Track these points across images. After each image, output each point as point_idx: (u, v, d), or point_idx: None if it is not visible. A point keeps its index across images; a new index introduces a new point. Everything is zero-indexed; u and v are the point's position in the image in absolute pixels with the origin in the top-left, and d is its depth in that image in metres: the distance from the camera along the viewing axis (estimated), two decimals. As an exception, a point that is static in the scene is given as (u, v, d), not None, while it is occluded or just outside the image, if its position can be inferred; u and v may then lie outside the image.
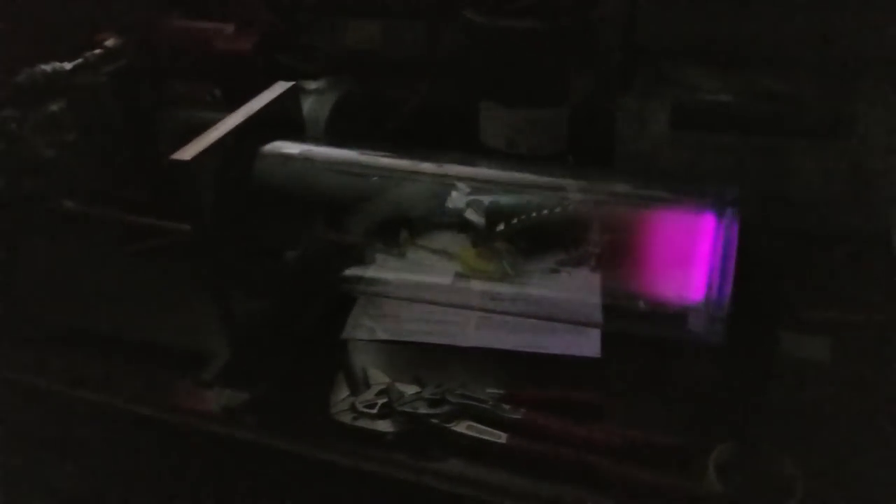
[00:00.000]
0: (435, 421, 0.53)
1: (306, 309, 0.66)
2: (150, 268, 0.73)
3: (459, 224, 0.61)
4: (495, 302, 0.64)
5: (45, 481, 0.67)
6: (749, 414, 0.53)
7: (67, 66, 0.67)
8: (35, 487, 0.68)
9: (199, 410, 0.59)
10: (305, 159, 0.60)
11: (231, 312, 0.56)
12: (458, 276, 0.65)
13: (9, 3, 0.75)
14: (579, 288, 0.67)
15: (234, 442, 0.56)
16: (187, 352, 0.64)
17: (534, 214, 0.60)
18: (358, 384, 0.58)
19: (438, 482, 0.51)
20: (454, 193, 0.60)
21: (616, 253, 0.58)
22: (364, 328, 0.66)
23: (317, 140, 0.64)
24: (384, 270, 0.67)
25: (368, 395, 0.56)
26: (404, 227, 0.65)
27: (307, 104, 0.70)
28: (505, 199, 0.62)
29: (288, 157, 0.58)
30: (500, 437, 0.52)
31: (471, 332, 0.65)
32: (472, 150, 0.81)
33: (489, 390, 0.56)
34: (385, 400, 0.55)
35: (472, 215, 0.61)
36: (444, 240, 0.65)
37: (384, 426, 0.54)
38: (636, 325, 0.56)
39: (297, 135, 0.62)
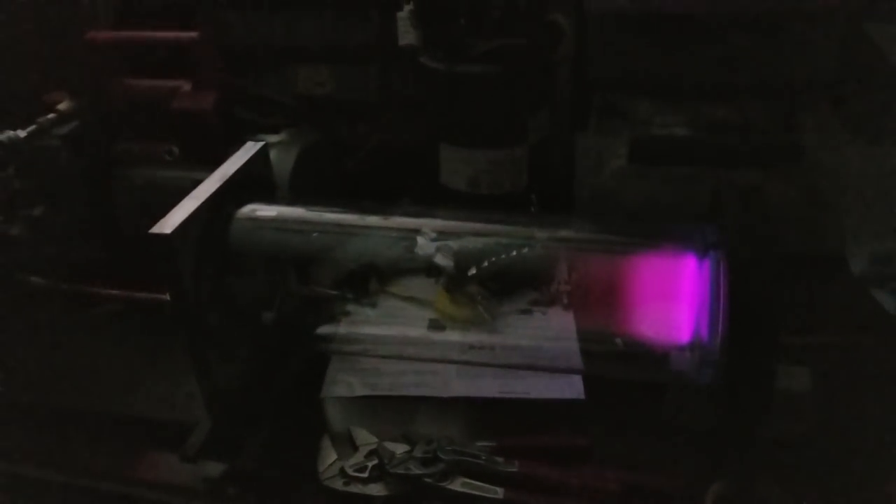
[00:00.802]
0: (429, 480, 0.53)
1: (284, 369, 0.64)
2: (115, 337, 0.71)
3: (428, 269, 0.61)
4: (473, 352, 0.64)
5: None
6: (739, 449, 0.54)
7: (22, 133, 0.65)
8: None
9: (178, 485, 0.57)
10: (277, 220, 0.59)
11: (211, 379, 0.54)
12: (433, 323, 0.65)
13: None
14: (555, 328, 0.68)
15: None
16: (159, 423, 0.62)
17: (504, 256, 0.61)
18: (344, 446, 0.57)
19: (440, 543, 0.51)
20: (420, 239, 0.60)
21: (594, 296, 0.59)
22: (342, 384, 0.65)
23: (286, 199, 0.64)
24: (357, 325, 0.66)
25: (358, 458, 0.55)
26: (373, 275, 0.65)
27: (272, 157, 0.70)
28: (473, 243, 0.63)
29: (261, 220, 0.57)
30: (497, 493, 0.52)
31: (452, 382, 0.65)
32: (433, 191, 0.81)
33: (480, 443, 0.56)
34: (375, 462, 0.55)
35: (441, 260, 0.61)
36: (415, 286, 0.65)
37: (377, 489, 0.53)
38: (619, 368, 0.56)
39: (268, 193, 0.61)
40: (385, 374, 0.66)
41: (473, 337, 0.66)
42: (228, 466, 0.56)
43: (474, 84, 0.75)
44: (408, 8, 0.78)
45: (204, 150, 0.69)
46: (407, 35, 0.79)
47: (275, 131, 0.74)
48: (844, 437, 0.54)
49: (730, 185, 0.51)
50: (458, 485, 0.52)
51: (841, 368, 0.59)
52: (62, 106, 0.70)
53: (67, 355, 0.69)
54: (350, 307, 0.67)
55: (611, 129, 0.80)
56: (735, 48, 0.78)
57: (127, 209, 0.72)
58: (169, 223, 0.49)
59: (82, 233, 0.72)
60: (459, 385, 0.64)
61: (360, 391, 0.64)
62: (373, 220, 0.62)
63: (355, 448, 0.56)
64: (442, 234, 0.60)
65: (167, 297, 0.53)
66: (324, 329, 0.65)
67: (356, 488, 0.53)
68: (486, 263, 0.61)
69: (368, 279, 0.64)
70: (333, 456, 0.56)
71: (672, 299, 0.50)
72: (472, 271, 0.61)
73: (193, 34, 0.73)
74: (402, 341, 0.65)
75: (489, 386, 0.64)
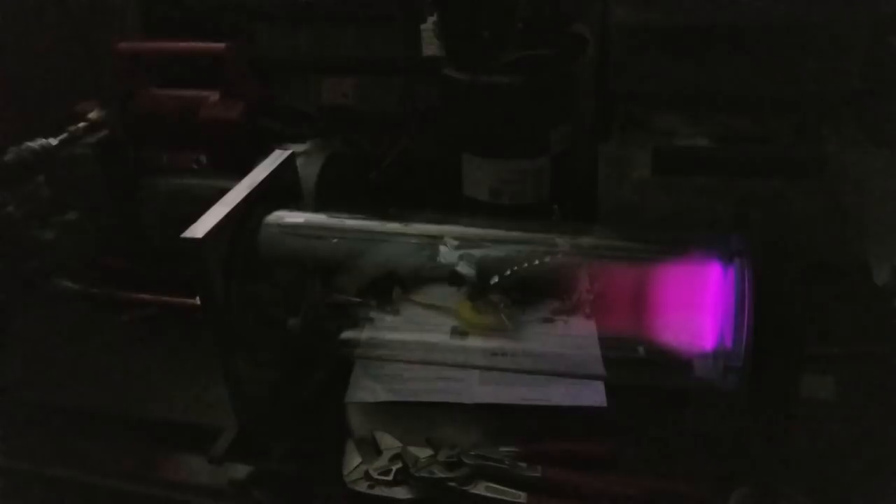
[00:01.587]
0: (453, 484, 0.53)
1: (310, 374, 0.65)
2: (144, 341, 0.72)
3: (451, 278, 0.62)
4: (496, 358, 0.65)
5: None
6: (762, 457, 0.54)
7: (53, 141, 0.67)
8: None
9: (206, 487, 0.57)
10: (304, 227, 0.60)
11: (239, 383, 0.55)
12: (455, 330, 0.66)
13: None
14: (577, 336, 0.68)
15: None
16: (188, 426, 0.63)
17: (526, 265, 0.61)
18: (368, 450, 0.58)
19: (463, 546, 0.51)
20: (443, 248, 0.61)
21: (617, 304, 0.59)
22: (366, 390, 0.66)
23: (312, 206, 0.65)
24: (380, 331, 0.67)
25: (382, 462, 0.56)
26: (396, 283, 0.66)
27: (297, 166, 0.71)
28: (495, 251, 0.63)
29: (288, 226, 0.58)
30: (520, 497, 0.52)
31: (474, 388, 0.65)
32: (456, 202, 0.82)
33: (503, 448, 0.56)
34: (400, 465, 0.55)
35: (464, 269, 0.61)
36: (437, 294, 0.66)
37: (402, 493, 0.54)
38: (641, 376, 0.57)
39: (295, 201, 0.62)
40: (408, 380, 0.66)
41: (496, 343, 0.66)
42: (255, 469, 0.57)
43: (497, 95, 0.76)
44: (431, 20, 0.79)
45: (230, 160, 0.71)
46: (430, 47, 0.80)
47: (300, 141, 0.75)
48: (868, 447, 0.54)
49: (755, 195, 0.51)
50: (481, 489, 0.53)
51: (865, 378, 0.59)
52: (92, 115, 0.72)
53: (97, 359, 0.71)
54: (373, 314, 0.68)
55: (633, 140, 0.80)
56: (758, 60, 0.78)
57: (154, 216, 0.74)
58: (200, 228, 0.50)
59: (111, 239, 0.73)
60: (482, 391, 0.65)
61: (384, 396, 0.65)
62: (396, 227, 0.62)
63: (379, 452, 0.57)
64: (464, 243, 0.60)
65: (196, 301, 0.54)
66: (348, 335, 0.66)
67: (381, 491, 0.54)
68: (508, 272, 0.61)
69: (392, 287, 0.65)
70: (358, 459, 0.57)
71: (697, 307, 0.50)
72: (495, 280, 0.61)
73: (221, 45, 0.74)
74: (424, 347, 0.65)
75: (511, 392, 0.64)
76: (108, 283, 0.71)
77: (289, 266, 0.61)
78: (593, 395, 0.63)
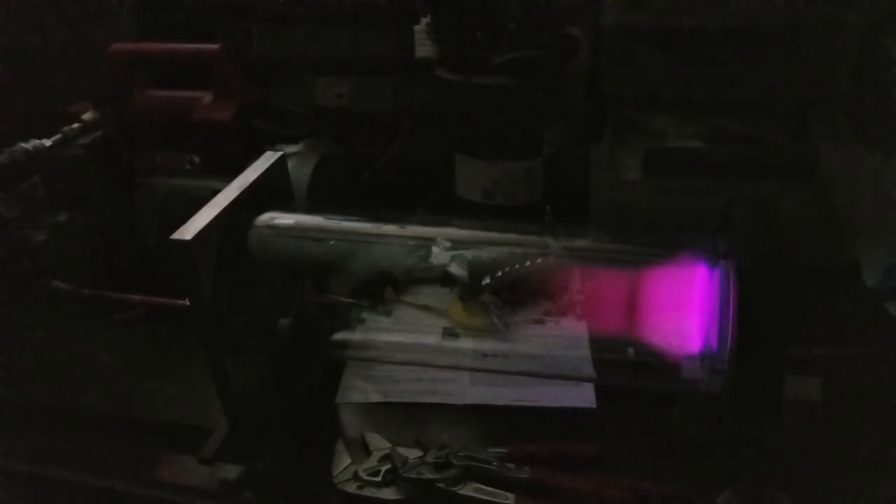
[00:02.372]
0: (441, 485, 0.53)
1: (300, 375, 0.65)
2: (135, 342, 0.72)
3: (443, 279, 0.62)
4: (487, 359, 0.65)
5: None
6: (749, 458, 0.54)
7: (47, 142, 0.67)
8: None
9: (196, 488, 0.58)
10: (294, 228, 0.60)
11: (229, 384, 0.55)
12: (447, 331, 0.66)
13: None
14: (567, 337, 0.69)
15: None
16: (178, 426, 0.63)
17: (517, 266, 0.61)
18: (358, 450, 0.58)
19: (451, 548, 0.51)
20: (436, 249, 0.61)
21: (606, 306, 0.59)
22: (357, 390, 0.66)
23: (302, 207, 0.65)
24: (372, 332, 0.67)
25: (371, 463, 0.56)
26: (389, 284, 0.66)
27: (289, 167, 0.71)
28: (487, 252, 0.63)
29: (279, 227, 0.58)
30: (508, 498, 0.52)
31: (465, 389, 0.65)
32: (449, 202, 0.82)
33: (492, 449, 0.56)
34: (388, 466, 0.55)
35: (455, 270, 0.61)
36: (429, 295, 0.66)
37: (390, 494, 0.54)
38: (630, 377, 0.57)
39: (286, 202, 0.62)
40: (399, 381, 0.67)
41: (487, 345, 0.67)
42: (245, 469, 0.57)
43: (490, 96, 0.77)
44: (424, 21, 0.79)
45: (223, 160, 0.71)
46: (423, 48, 0.80)
47: (293, 142, 0.76)
48: (854, 448, 0.54)
49: (741, 197, 0.51)
50: (469, 490, 0.53)
51: (853, 380, 0.60)
52: (86, 116, 0.72)
53: (88, 360, 0.71)
54: (365, 315, 0.68)
55: (626, 141, 0.81)
56: (749, 61, 0.78)
57: (148, 217, 0.74)
58: (189, 230, 0.50)
59: (104, 240, 0.73)
60: (472, 392, 0.65)
61: (375, 397, 0.65)
62: (388, 229, 0.62)
63: (369, 453, 0.57)
64: (457, 244, 0.60)
65: (187, 302, 0.54)
66: (339, 336, 0.66)
67: (369, 492, 0.54)
68: (499, 273, 0.61)
69: (384, 288, 0.65)
70: (347, 460, 0.57)
71: (682, 309, 0.50)
72: (486, 281, 0.62)
73: (214, 47, 0.74)
74: (416, 349, 0.66)
75: (502, 394, 0.64)
76: (101, 284, 0.71)
77: (279, 267, 0.62)
78: (583, 396, 0.63)
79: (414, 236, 0.62)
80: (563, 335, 0.68)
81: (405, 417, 0.63)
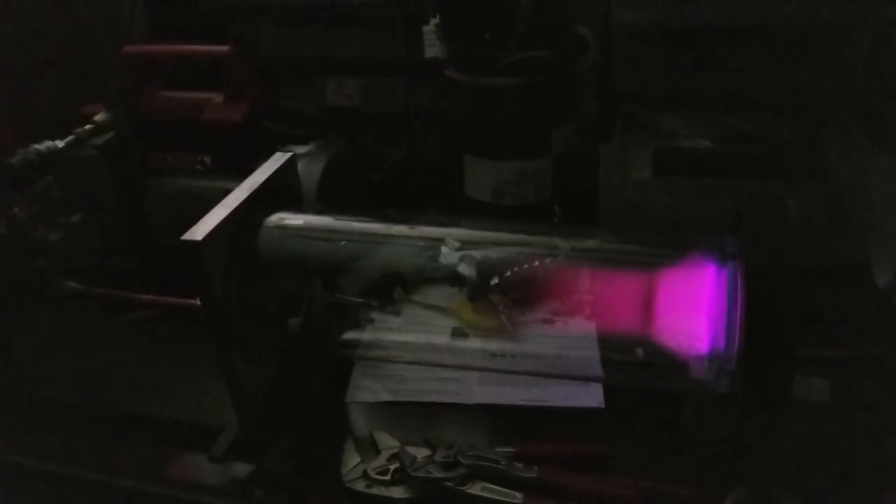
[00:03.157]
0: (449, 484, 0.54)
1: (310, 374, 0.66)
2: (147, 341, 0.73)
3: (452, 279, 0.62)
4: (495, 359, 0.65)
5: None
6: (756, 458, 0.54)
7: (60, 143, 0.67)
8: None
9: (207, 485, 0.58)
10: (304, 228, 0.60)
11: (239, 383, 0.56)
12: (456, 331, 0.66)
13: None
14: (576, 337, 0.69)
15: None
16: (189, 425, 0.64)
17: (526, 266, 0.61)
18: (367, 449, 0.58)
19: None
20: (444, 249, 0.61)
21: (614, 306, 0.59)
22: (367, 390, 0.67)
23: (313, 208, 0.65)
24: (381, 331, 0.67)
25: (380, 461, 0.56)
26: (398, 284, 0.66)
27: (299, 167, 0.71)
28: (496, 252, 0.63)
29: (288, 228, 0.59)
30: (516, 498, 0.52)
31: (474, 389, 0.66)
32: (458, 202, 0.83)
33: (500, 449, 0.56)
34: (397, 465, 0.56)
35: (464, 269, 0.62)
36: (438, 295, 0.66)
37: (399, 492, 0.54)
38: (639, 378, 0.57)
39: (296, 202, 0.63)
40: (408, 381, 0.67)
41: (496, 345, 0.67)
42: (255, 467, 0.58)
43: (498, 96, 0.77)
44: (434, 22, 0.79)
45: (234, 161, 0.72)
46: (432, 48, 0.80)
47: (303, 142, 0.76)
48: (864, 449, 0.54)
49: (750, 197, 0.51)
50: (477, 489, 0.53)
51: (863, 381, 0.59)
52: (98, 117, 0.73)
53: (102, 358, 0.72)
54: (374, 315, 0.69)
55: (635, 141, 0.81)
56: (760, 61, 0.78)
57: (159, 217, 0.75)
58: (200, 230, 0.51)
59: (117, 239, 0.74)
60: (481, 392, 0.65)
61: (384, 397, 0.66)
62: (398, 229, 0.62)
63: (378, 451, 0.58)
64: (465, 244, 0.60)
65: (198, 302, 0.54)
66: (349, 335, 0.67)
67: (378, 490, 0.54)
68: (508, 273, 0.61)
69: (393, 288, 0.65)
70: (356, 459, 0.57)
71: (690, 309, 0.50)
72: (495, 281, 0.62)
73: (225, 48, 0.75)
74: (425, 348, 0.66)
75: (510, 393, 0.65)
76: (113, 284, 0.72)
77: (289, 267, 0.62)
78: (592, 396, 0.63)
79: (423, 236, 0.62)
80: (571, 335, 0.68)
81: (414, 417, 0.63)
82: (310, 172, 0.72)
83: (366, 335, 0.68)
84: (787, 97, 0.80)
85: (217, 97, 0.76)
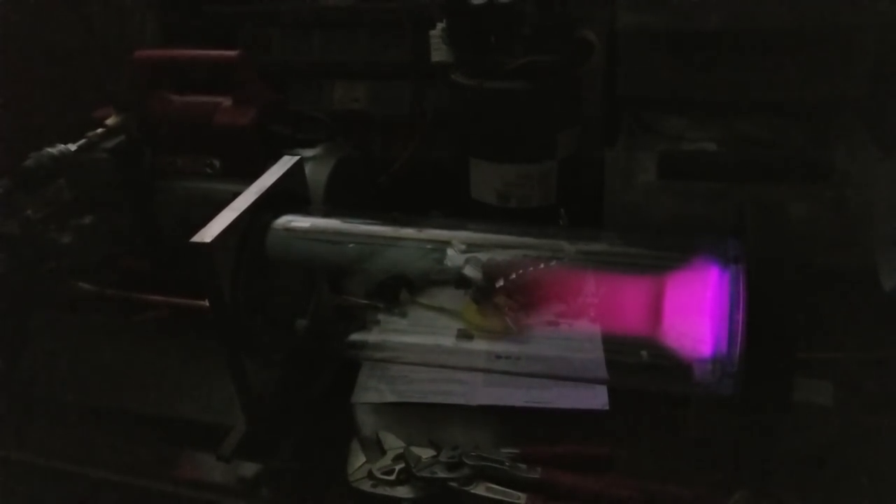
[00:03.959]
0: (454, 485, 0.54)
1: (317, 375, 0.66)
2: (157, 341, 0.74)
3: (457, 281, 0.62)
4: (500, 361, 0.65)
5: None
6: (759, 460, 0.54)
7: (72, 147, 0.69)
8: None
9: (214, 484, 0.59)
10: (311, 231, 0.61)
11: (247, 383, 0.57)
12: (461, 332, 0.66)
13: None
14: (581, 340, 0.69)
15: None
16: (198, 424, 0.65)
17: (531, 269, 0.62)
18: (373, 449, 0.59)
19: (462, 545, 0.52)
20: (450, 251, 0.62)
21: (619, 309, 0.60)
22: (373, 391, 0.67)
23: (320, 211, 0.66)
24: (388, 333, 0.68)
25: (385, 461, 0.57)
26: (404, 286, 0.67)
27: (306, 171, 0.72)
28: (502, 255, 0.64)
29: (296, 230, 0.59)
30: (520, 498, 0.53)
31: (479, 390, 0.66)
32: (464, 205, 0.83)
33: (504, 450, 0.57)
34: (402, 465, 0.56)
35: (470, 272, 0.62)
36: (444, 297, 0.67)
37: (404, 492, 0.55)
38: (642, 380, 0.57)
39: (303, 205, 0.63)
40: (414, 382, 0.68)
41: (500, 347, 0.67)
42: (262, 467, 0.59)
43: (504, 100, 0.77)
44: (440, 26, 0.80)
45: (243, 164, 0.72)
46: (439, 52, 0.81)
47: (311, 146, 0.77)
48: (866, 452, 0.54)
49: (752, 201, 0.51)
50: (481, 489, 0.54)
51: (868, 384, 0.59)
52: (110, 121, 0.74)
53: (111, 358, 0.73)
54: (381, 316, 0.69)
55: (640, 145, 0.81)
56: (766, 65, 0.78)
57: (169, 219, 0.76)
58: (209, 233, 0.52)
59: (127, 241, 0.75)
60: (486, 394, 0.66)
61: (390, 398, 0.66)
62: (404, 232, 0.63)
63: (383, 452, 0.58)
64: (471, 247, 0.61)
65: (207, 303, 0.55)
66: (355, 337, 0.67)
67: (383, 490, 0.55)
68: (513, 275, 0.62)
69: (399, 290, 0.66)
70: (362, 459, 0.58)
71: (693, 312, 0.51)
72: (500, 283, 0.62)
73: (233, 53, 0.75)
74: (430, 350, 0.66)
75: (515, 395, 0.65)
76: (124, 285, 0.73)
77: (296, 269, 0.63)
78: (596, 398, 0.64)
79: (429, 239, 0.63)
80: (576, 337, 0.68)
81: (419, 417, 0.64)
82: (317, 175, 0.73)
83: (372, 336, 0.68)
84: (793, 101, 0.80)
85: (226, 101, 0.77)
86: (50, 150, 0.67)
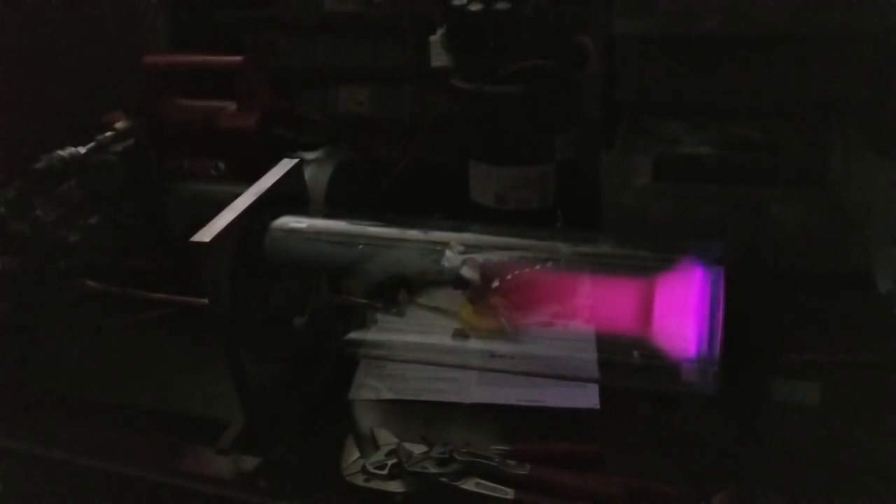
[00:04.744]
0: (444, 480, 0.55)
1: (314, 372, 0.68)
2: (161, 338, 0.76)
3: (455, 281, 0.64)
4: (495, 360, 0.67)
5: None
6: (745, 459, 0.55)
7: (82, 149, 0.71)
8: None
9: (213, 476, 0.61)
10: (308, 231, 0.63)
11: (246, 379, 0.58)
12: (457, 332, 0.68)
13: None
14: (575, 340, 0.70)
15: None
16: (199, 419, 0.66)
17: (527, 270, 0.63)
18: (367, 445, 0.61)
19: (450, 539, 0.53)
20: (448, 252, 0.63)
21: (610, 310, 0.61)
22: (369, 388, 0.69)
23: (319, 212, 0.68)
24: (385, 332, 0.69)
25: (378, 456, 0.58)
26: (403, 286, 0.68)
27: (308, 173, 0.74)
28: (498, 256, 0.65)
29: (295, 231, 0.61)
30: (508, 494, 0.54)
31: (473, 389, 0.67)
32: (463, 207, 0.85)
33: (494, 447, 0.58)
34: (395, 460, 0.58)
35: (467, 272, 0.63)
36: (442, 297, 0.68)
37: (395, 486, 0.56)
38: (632, 380, 0.58)
39: (302, 207, 0.65)
40: (410, 380, 0.69)
41: (495, 346, 0.68)
42: (261, 460, 0.60)
43: (502, 104, 0.79)
44: (440, 32, 0.81)
45: (247, 167, 0.73)
46: (439, 58, 0.82)
47: (312, 149, 0.78)
48: (852, 453, 0.55)
49: (735, 204, 0.52)
50: (471, 485, 0.55)
51: (858, 386, 0.60)
52: (119, 125, 0.76)
53: (118, 354, 0.75)
54: (379, 316, 0.70)
55: (636, 148, 0.82)
56: (762, 68, 0.79)
57: (175, 220, 0.78)
58: (208, 232, 0.53)
59: (134, 241, 0.77)
60: (480, 392, 0.67)
61: (386, 395, 0.68)
62: (403, 233, 0.64)
63: (377, 447, 0.60)
64: (469, 248, 0.62)
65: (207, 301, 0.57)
66: (353, 335, 0.69)
67: (375, 484, 0.56)
68: (509, 276, 0.63)
69: (397, 290, 0.67)
70: (356, 454, 0.59)
71: (676, 312, 0.52)
72: (496, 284, 0.63)
73: (239, 58, 0.77)
74: (427, 349, 0.68)
75: (508, 393, 0.66)
76: (131, 283, 0.75)
77: (294, 269, 0.64)
78: (587, 397, 0.65)
79: (428, 240, 0.64)
80: (569, 338, 0.70)
81: (414, 414, 0.65)
82: (318, 178, 0.75)
83: (370, 335, 0.70)
84: (789, 104, 0.80)
85: (231, 105, 0.79)
86: (61, 152, 0.69)
